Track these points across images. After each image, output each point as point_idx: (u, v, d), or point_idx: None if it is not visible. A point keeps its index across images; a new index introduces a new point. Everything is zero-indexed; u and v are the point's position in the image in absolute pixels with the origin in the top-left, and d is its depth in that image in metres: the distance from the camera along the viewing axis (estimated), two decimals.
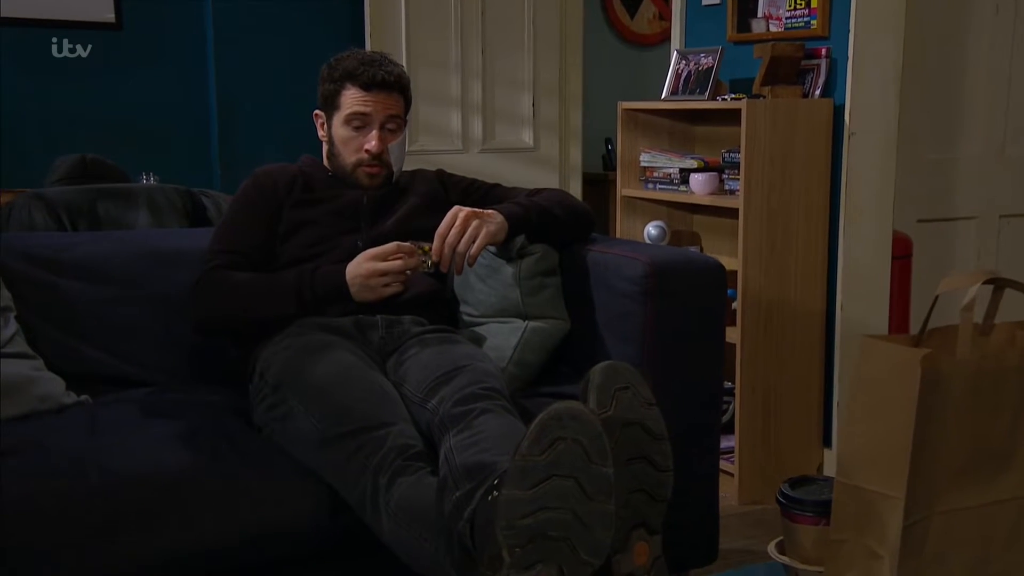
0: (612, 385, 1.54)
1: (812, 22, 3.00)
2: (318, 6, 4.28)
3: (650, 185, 3.34)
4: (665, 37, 5.41)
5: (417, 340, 2.04)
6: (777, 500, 1.52)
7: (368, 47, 4.17)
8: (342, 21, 4.28)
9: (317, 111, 2.28)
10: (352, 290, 2.03)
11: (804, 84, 3.03)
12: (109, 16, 3.94)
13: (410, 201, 2.24)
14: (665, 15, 5.51)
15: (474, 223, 2.04)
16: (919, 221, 3.40)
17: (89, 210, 2.59)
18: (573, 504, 1.43)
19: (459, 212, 2.05)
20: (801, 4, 3.04)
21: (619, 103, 3.38)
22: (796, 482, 1.54)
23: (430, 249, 2.03)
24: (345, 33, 4.25)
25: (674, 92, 3.30)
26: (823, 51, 3.00)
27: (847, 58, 2.92)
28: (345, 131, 2.20)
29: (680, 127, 3.44)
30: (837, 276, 3.00)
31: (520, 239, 2.16)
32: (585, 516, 1.44)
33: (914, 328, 3.25)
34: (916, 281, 3.23)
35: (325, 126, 2.27)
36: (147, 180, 3.64)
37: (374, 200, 2.22)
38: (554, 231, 2.21)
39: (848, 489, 1.32)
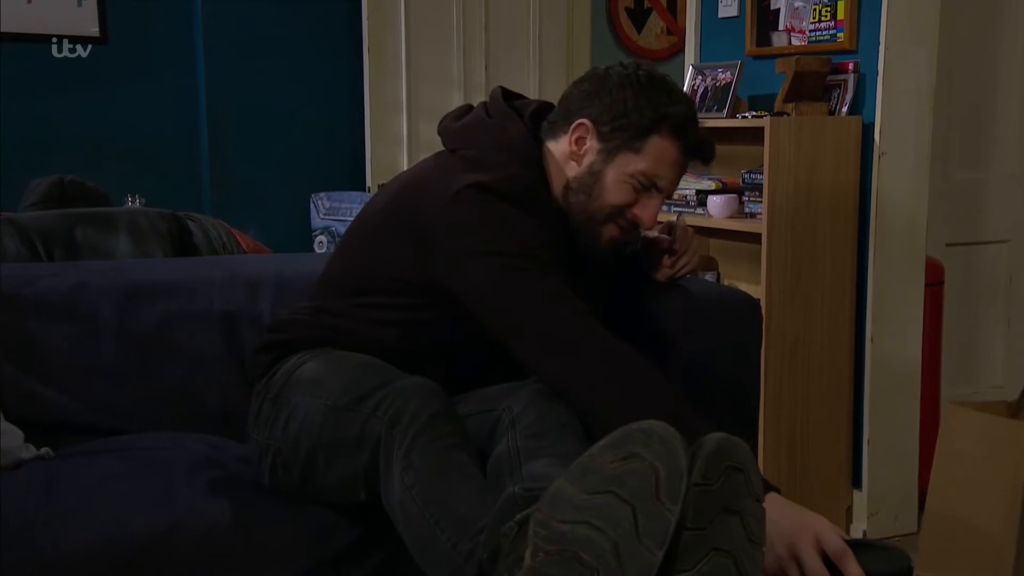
0: (725, 461, 1.27)
1: (838, 35, 2.82)
2: (314, 20, 4.09)
3: (664, 207, 3.15)
4: (673, 52, 5.24)
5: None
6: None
7: (366, 63, 4.01)
8: (339, 35, 4.11)
9: (586, 121, 1.67)
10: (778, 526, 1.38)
11: (830, 101, 2.85)
12: (93, 30, 3.75)
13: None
14: (673, 30, 5.34)
15: (694, 240, 1.93)
16: (948, 245, 3.23)
17: (66, 236, 2.40)
18: (619, 535, 1.22)
19: (685, 223, 1.92)
20: (827, 16, 2.85)
21: None
22: (851, 548, 1.33)
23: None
24: (342, 48, 4.08)
25: None
26: (850, 65, 2.81)
27: (877, 73, 2.73)
28: (623, 181, 1.67)
29: None
30: (867, 305, 2.82)
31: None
32: (625, 554, 1.21)
33: (948, 363, 3.08)
34: (945, 310, 3.05)
35: (595, 150, 1.68)
36: (132, 202, 3.47)
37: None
38: None
39: None
